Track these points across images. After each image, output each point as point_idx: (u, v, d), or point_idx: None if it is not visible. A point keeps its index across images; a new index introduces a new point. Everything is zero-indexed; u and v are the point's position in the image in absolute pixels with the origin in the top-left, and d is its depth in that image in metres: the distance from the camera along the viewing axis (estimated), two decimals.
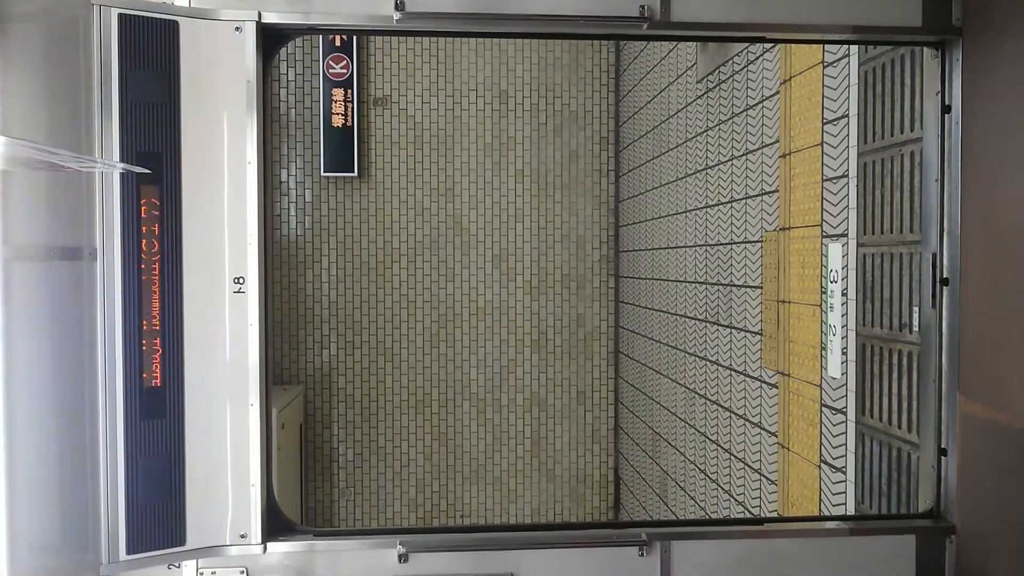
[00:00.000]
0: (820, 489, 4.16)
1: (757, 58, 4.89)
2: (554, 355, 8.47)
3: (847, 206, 3.88)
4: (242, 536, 2.82)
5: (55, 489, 2.49)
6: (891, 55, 3.51)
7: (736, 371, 5.26)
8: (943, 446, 3.06)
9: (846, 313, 3.91)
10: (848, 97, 3.85)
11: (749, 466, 5.04)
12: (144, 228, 2.67)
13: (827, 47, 4.02)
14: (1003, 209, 2.79)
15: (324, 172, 8.13)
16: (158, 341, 2.69)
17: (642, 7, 2.87)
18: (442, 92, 8.38)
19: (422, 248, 8.33)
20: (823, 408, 4.12)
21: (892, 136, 3.52)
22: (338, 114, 8.14)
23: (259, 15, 2.76)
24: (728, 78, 5.37)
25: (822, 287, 4.12)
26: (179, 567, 2.82)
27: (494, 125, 8.43)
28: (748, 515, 5.05)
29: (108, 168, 2.48)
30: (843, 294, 3.93)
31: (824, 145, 4.08)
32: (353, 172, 8.14)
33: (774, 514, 4.68)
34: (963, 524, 2.98)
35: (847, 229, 3.89)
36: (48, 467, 2.45)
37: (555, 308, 8.50)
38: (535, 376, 8.48)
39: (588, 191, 8.47)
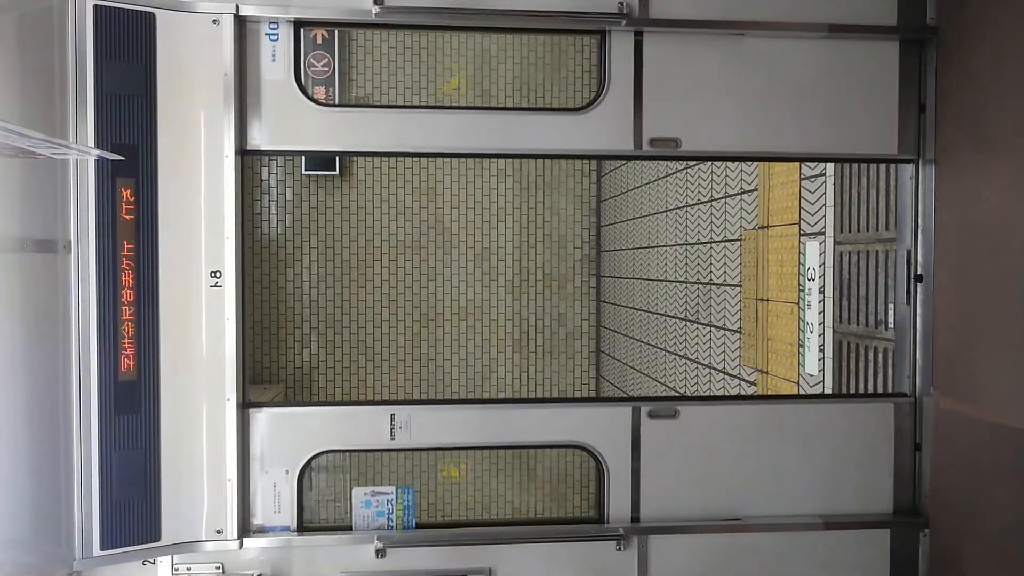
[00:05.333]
0: None
1: None
2: (535, 354, 8.48)
3: (824, 204, 3.91)
4: (218, 531, 2.80)
5: (28, 484, 2.46)
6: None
7: (716, 369, 5.29)
8: (917, 441, 3.09)
9: (823, 310, 3.94)
10: None
11: None
12: (119, 221, 2.65)
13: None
14: (976, 206, 2.82)
15: (305, 170, 8.09)
16: (133, 335, 2.67)
17: (621, 3, 2.89)
18: (424, 91, 8.36)
19: (404, 247, 8.31)
20: None
21: None
22: None
23: (237, 8, 2.75)
24: None
25: (800, 285, 4.15)
26: (154, 563, 2.80)
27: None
28: None
29: (82, 155, 2.46)
30: (820, 291, 3.96)
31: None
32: (335, 171, 8.11)
33: None
34: (936, 518, 3.01)
35: (824, 227, 3.92)
36: (21, 461, 2.42)
37: (537, 307, 8.50)
38: (516, 375, 8.48)
39: (570, 191, 8.49)
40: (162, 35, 2.69)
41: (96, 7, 2.60)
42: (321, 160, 8.11)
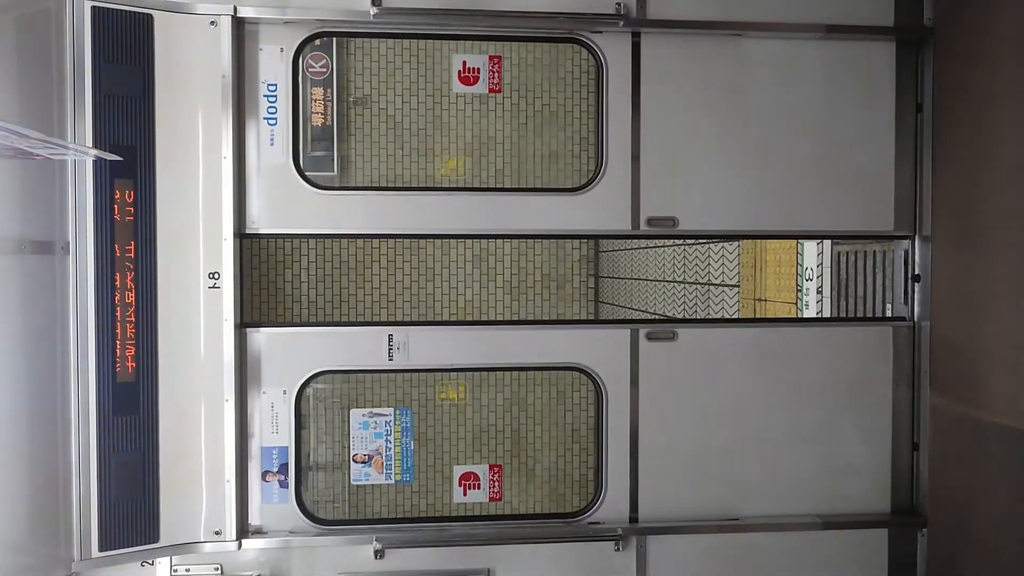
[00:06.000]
0: None
1: None
2: None
3: None
4: (216, 533, 2.80)
5: (27, 485, 2.46)
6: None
7: None
8: (916, 441, 3.09)
9: (821, 310, 3.94)
10: None
11: None
12: (118, 222, 2.65)
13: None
14: (973, 204, 2.83)
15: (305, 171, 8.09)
16: (131, 336, 2.67)
17: (618, 4, 2.90)
18: (422, 92, 8.36)
19: (402, 248, 8.30)
20: None
21: None
22: (318, 113, 8.09)
23: (235, 9, 2.76)
24: None
25: (798, 285, 4.16)
26: (152, 564, 2.80)
27: (474, 125, 8.42)
28: None
29: (80, 155, 2.45)
30: (818, 291, 3.97)
31: None
32: (333, 172, 8.10)
33: None
34: (934, 517, 3.02)
35: None
36: (19, 463, 2.42)
37: (535, 308, 8.49)
38: (515, 375, 8.47)
39: None
40: (160, 36, 2.69)
41: (94, 8, 2.60)
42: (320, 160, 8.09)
